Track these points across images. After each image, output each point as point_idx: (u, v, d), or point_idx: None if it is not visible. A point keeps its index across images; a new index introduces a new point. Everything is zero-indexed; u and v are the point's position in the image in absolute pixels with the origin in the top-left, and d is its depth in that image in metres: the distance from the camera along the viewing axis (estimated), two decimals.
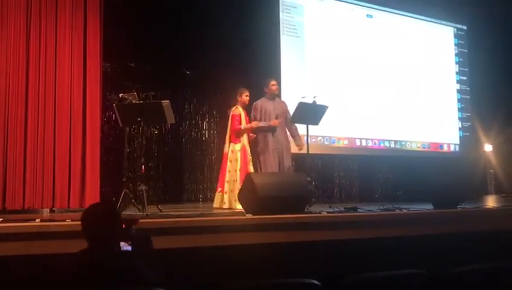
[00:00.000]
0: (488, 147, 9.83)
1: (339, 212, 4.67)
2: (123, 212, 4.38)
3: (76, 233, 2.90)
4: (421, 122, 9.03)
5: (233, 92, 6.10)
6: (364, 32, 8.76)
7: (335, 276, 2.85)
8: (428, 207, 5.02)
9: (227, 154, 5.89)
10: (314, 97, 5.82)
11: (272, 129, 5.99)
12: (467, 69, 9.86)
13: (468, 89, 9.83)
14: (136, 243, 2.70)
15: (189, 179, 7.80)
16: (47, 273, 2.85)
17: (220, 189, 5.76)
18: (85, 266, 2.40)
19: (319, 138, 7.93)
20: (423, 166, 8.21)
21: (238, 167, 5.76)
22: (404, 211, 4.78)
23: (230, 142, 5.91)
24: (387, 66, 8.85)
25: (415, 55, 9.21)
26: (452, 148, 9.52)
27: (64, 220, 3.76)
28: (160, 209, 5.11)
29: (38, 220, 3.90)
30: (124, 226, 2.62)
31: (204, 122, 8.01)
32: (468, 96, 9.80)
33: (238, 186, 5.52)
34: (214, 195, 5.96)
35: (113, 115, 6.23)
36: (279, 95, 6.48)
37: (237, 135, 5.89)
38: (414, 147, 9.03)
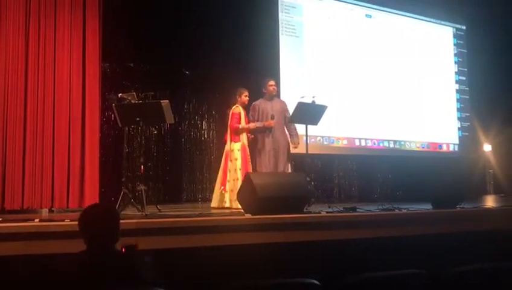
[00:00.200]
0: (487, 147, 9.84)
1: (338, 212, 4.66)
2: (122, 213, 4.37)
3: (75, 233, 2.89)
4: (420, 122, 9.03)
5: (233, 92, 6.10)
6: (363, 32, 8.76)
7: (334, 276, 2.85)
8: (427, 207, 5.02)
9: (227, 153, 5.88)
10: (314, 97, 5.81)
11: (268, 130, 5.97)
12: (466, 69, 9.87)
13: (467, 89, 9.83)
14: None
15: (188, 179, 7.80)
16: (46, 273, 2.85)
17: (222, 188, 5.74)
18: (85, 266, 2.40)
19: (318, 138, 7.93)
20: (422, 166, 8.21)
21: (238, 167, 5.76)
22: (404, 211, 4.78)
23: (231, 141, 5.91)
24: (387, 66, 8.85)
25: (414, 55, 9.20)
26: (451, 148, 9.52)
27: (63, 220, 3.76)
28: (159, 209, 5.11)
29: (37, 220, 3.90)
30: (123, 250, 2.57)
31: (204, 122, 8.01)
32: (468, 96, 9.81)
33: (238, 185, 5.53)
34: (213, 195, 5.95)
35: (112, 115, 6.23)
36: (278, 95, 6.46)
37: (236, 133, 5.89)
38: (413, 147, 9.03)
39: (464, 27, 9.96)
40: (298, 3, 8.17)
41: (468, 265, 2.94)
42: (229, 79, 6.96)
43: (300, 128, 6.10)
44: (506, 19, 9.56)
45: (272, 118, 5.95)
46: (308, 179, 5.88)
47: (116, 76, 7.12)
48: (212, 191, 6.10)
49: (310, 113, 5.84)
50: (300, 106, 5.72)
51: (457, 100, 9.72)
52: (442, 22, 9.75)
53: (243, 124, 5.90)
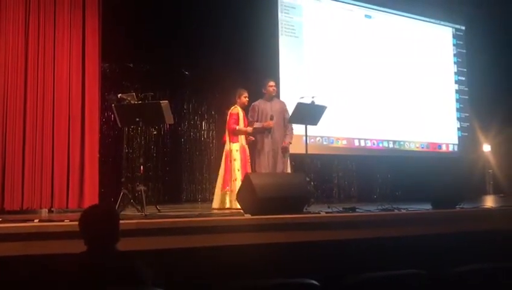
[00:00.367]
0: (486, 147, 9.84)
1: (338, 212, 4.66)
2: (121, 213, 4.37)
3: (75, 233, 2.89)
4: (420, 122, 9.04)
5: (232, 92, 6.10)
6: (362, 32, 8.76)
7: (334, 276, 2.85)
8: (427, 207, 5.02)
9: (227, 153, 5.88)
10: (313, 97, 5.81)
11: (267, 130, 5.97)
12: (465, 69, 9.87)
13: (467, 89, 9.84)
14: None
15: (187, 180, 7.80)
16: (47, 274, 2.85)
17: (228, 187, 5.74)
18: (85, 267, 2.40)
19: (317, 138, 7.93)
20: (422, 166, 8.21)
21: (237, 167, 5.76)
22: (403, 211, 4.78)
23: (229, 142, 5.92)
24: (386, 67, 8.85)
25: (413, 55, 9.21)
26: (451, 149, 9.53)
27: (62, 221, 3.76)
28: (159, 210, 5.11)
29: (36, 220, 3.89)
30: None
31: (203, 123, 8.01)
32: (467, 97, 9.81)
33: (237, 185, 5.54)
34: (213, 195, 5.95)
35: (112, 116, 6.23)
36: (277, 96, 6.46)
37: (233, 134, 5.89)
38: (413, 147, 9.03)
39: (463, 27, 9.97)
40: (298, 4, 8.17)
41: (468, 265, 2.94)
42: (229, 79, 6.96)
43: (299, 128, 6.10)
44: (505, 19, 9.57)
45: (271, 118, 5.95)
46: (307, 179, 5.87)
47: (116, 76, 7.13)
48: (211, 192, 6.10)
49: (309, 113, 5.84)
50: (300, 106, 5.72)
51: (457, 100, 9.72)
52: (442, 22, 9.76)
53: (241, 125, 5.90)
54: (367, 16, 8.90)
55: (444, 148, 9.43)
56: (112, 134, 7.00)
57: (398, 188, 9.00)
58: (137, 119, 5.00)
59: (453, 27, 9.88)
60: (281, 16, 7.98)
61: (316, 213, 4.50)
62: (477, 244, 4.10)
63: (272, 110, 6.06)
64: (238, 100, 6.01)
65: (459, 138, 9.63)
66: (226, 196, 5.71)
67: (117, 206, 4.63)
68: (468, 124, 9.72)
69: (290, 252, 3.78)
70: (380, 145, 8.69)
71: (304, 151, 6.03)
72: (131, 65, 7.33)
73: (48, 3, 5.73)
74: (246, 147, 5.94)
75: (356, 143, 8.46)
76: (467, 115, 9.75)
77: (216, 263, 3.50)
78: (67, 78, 5.74)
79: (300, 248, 3.85)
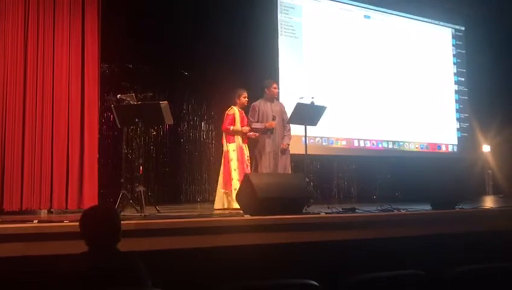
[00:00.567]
0: (486, 148, 9.84)
1: (337, 213, 4.66)
2: (121, 214, 4.36)
3: (74, 234, 2.89)
4: (419, 123, 9.04)
5: (232, 92, 6.11)
6: (362, 33, 8.77)
7: (333, 277, 2.85)
8: (426, 208, 5.02)
9: (225, 154, 5.92)
10: (312, 98, 5.81)
11: (269, 131, 5.99)
12: (464, 70, 9.88)
13: (466, 89, 9.84)
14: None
15: (187, 180, 7.80)
16: (47, 275, 2.84)
17: (234, 188, 5.75)
18: (86, 267, 2.40)
19: (317, 139, 7.94)
20: (421, 167, 8.22)
21: (234, 167, 5.79)
22: (403, 211, 4.77)
23: (226, 142, 5.95)
24: (385, 67, 8.85)
25: (413, 56, 9.21)
26: (450, 149, 9.53)
27: (62, 221, 3.76)
28: (158, 210, 5.10)
29: (36, 221, 3.88)
30: None
31: (203, 123, 8.02)
32: (466, 97, 9.81)
33: (234, 185, 5.65)
34: (214, 196, 5.96)
35: (111, 116, 6.23)
36: (277, 97, 6.48)
37: (228, 134, 5.92)
38: (412, 147, 9.04)
39: (462, 28, 9.98)
40: (297, 4, 8.18)
41: (467, 266, 2.94)
42: (228, 80, 6.96)
43: (299, 129, 6.11)
44: (504, 20, 9.58)
45: (274, 119, 5.98)
46: (307, 179, 5.87)
47: (115, 77, 7.13)
48: (211, 192, 6.12)
49: (309, 114, 5.84)
50: (299, 107, 5.72)
51: (456, 101, 9.73)
52: (441, 23, 9.76)
53: (238, 125, 5.92)
54: (366, 17, 8.90)
55: (443, 148, 9.44)
56: (111, 135, 7.00)
57: (398, 189, 8.99)
58: (136, 119, 5.01)
59: (452, 28, 9.89)
60: (281, 17, 7.99)
61: (316, 214, 4.49)
62: (477, 245, 4.10)
63: (273, 111, 6.09)
64: (238, 100, 6.02)
65: (458, 138, 9.64)
66: (225, 196, 5.75)
67: (116, 207, 4.62)
68: (467, 124, 9.72)
69: (290, 252, 3.78)
70: (380, 145, 8.70)
71: (303, 152, 6.05)
72: (131, 66, 7.34)
73: (47, 4, 5.72)
74: (244, 146, 5.95)
75: (356, 144, 8.47)
76: (467, 115, 9.75)
77: (216, 263, 3.49)
78: (66, 79, 5.74)
79: (299, 249, 3.85)
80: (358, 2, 8.80)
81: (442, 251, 3.99)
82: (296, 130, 6.31)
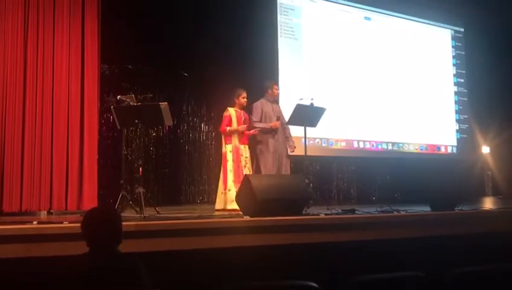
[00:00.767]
0: (485, 149, 9.85)
1: (337, 214, 4.66)
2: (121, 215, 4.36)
3: (74, 235, 2.90)
4: (419, 124, 9.04)
5: (232, 94, 6.11)
6: (362, 34, 8.77)
7: (333, 278, 2.86)
8: (425, 209, 5.02)
9: (224, 155, 5.95)
10: (312, 99, 5.83)
11: (272, 131, 6.02)
12: (464, 71, 9.88)
13: (466, 91, 9.84)
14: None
15: (187, 181, 7.79)
16: (48, 276, 2.84)
17: (228, 189, 5.78)
18: (87, 268, 2.41)
19: (316, 140, 7.94)
20: (421, 168, 8.22)
21: (230, 168, 5.81)
22: (402, 213, 4.78)
23: (225, 144, 5.98)
24: (385, 68, 8.86)
25: (412, 57, 9.22)
26: (449, 150, 9.53)
27: (61, 223, 3.76)
28: (158, 212, 5.11)
29: (35, 222, 3.88)
30: None
31: (202, 124, 8.01)
32: (466, 99, 9.82)
33: (229, 186, 5.70)
34: (214, 197, 5.97)
35: (111, 117, 6.23)
36: (277, 98, 6.51)
37: (226, 135, 5.94)
38: (412, 149, 9.04)
39: (462, 29, 9.98)
40: (297, 6, 8.18)
41: (467, 267, 2.94)
42: (228, 81, 6.96)
43: (299, 130, 6.12)
44: (504, 21, 9.59)
45: (278, 119, 6.01)
46: (306, 181, 5.90)
47: (115, 78, 7.12)
48: (210, 193, 6.12)
49: (308, 115, 5.85)
50: (299, 108, 5.73)
51: (456, 102, 9.73)
52: (441, 24, 9.77)
53: (234, 126, 5.93)
54: (366, 18, 8.91)
55: (442, 150, 9.44)
56: (111, 136, 6.99)
57: (397, 190, 8.99)
58: (136, 121, 5.00)
59: (451, 29, 9.90)
60: (280, 18, 7.99)
61: (315, 215, 4.49)
62: (476, 246, 4.10)
63: (274, 111, 6.14)
64: (236, 100, 6.04)
65: (457, 139, 9.64)
66: (222, 197, 5.78)
67: (116, 208, 4.62)
68: (467, 125, 9.73)
69: (290, 254, 3.78)
70: (379, 147, 8.70)
71: (303, 153, 6.06)
72: (131, 67, 7.33)
73: (47, 5, 5.72)
74: (241, 147, 5.95)
75: (355, 145, 8.47)
76: (466, 116, 9.75)
77: (215, 265, 3.49)
78: (66, 80, 5.73)
79: (299, 250, 3.85)
80: (358, 3, 8.81)
81: (441, 252, 4.00)
82: (296, 131, 6.32)
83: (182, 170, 7.76)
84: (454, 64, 9.82)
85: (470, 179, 9.14)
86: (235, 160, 5.86)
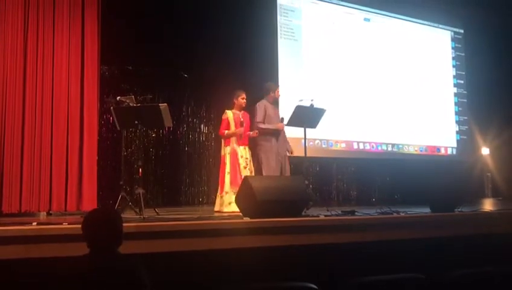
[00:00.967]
0: (485, 150, 9.85)
1: (337, 215, 4.66)
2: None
3: (73, 236, 2.89)
4: (419, 125, 9.05)
5: (231, 94, 6.11)
6: (361, 35, 8.78)
7: (332, 280, 2.85)
8: (425, 210, 5.02)
9: (223, 157, 5.97)
10: (312, 100, 5.82)
11: (277, 133, 6.03)
12: (464, 73, 9.89)
13: (465, 92, 9.85)
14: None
15: (186, 182, 7.79)
16: (47, 277, 2.84)
17: (225, 192, 5.79)
18: (87, 269, 2.41)
19: (316, 141, 7.94)
20: (420, 169, 8.21)
21: (227, 170, 5.81)
22: (402, 214, 4.78)
23: (224, 146, 6.00)
24: (385, 70, 8.87)
25: (412, 58, 9.23)
26: (449, 152, 9.53)
27: (61, 224, 3.75)
28: (157, 213, 5.10)
29: (35, 223, 3.88)
30: None
31: (202, 125, 8.01)
32: (465, 100, 9.83)
33: (226, 188, 5.72)
34: (213, 198, 5.98)
35: (111, 118, 6.23)
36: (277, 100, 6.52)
37: (225, 138, 5.95)
38: (411, 150, 9.04)
39: (461, 31, 9.99)
40: (297, 7, 8.19)
41: (466, 269, 2.94)
42: (228, 82, 6.95)
43: (298, 131, 6.11)
44: (503, 23, 9.60)
45: (282, 120, 6.02)
46: (306, 182, 5.88)
47: (115, 79, 7.12)
48: (210, 194, 6.12)
49: (308, 116, 5.85)
50: (299, 109, 5.73)
51: (455, 104, 9.74)
52: (440, 26, 9.78)
53: (232, 128, 5.92)
54: (366, 19, 8.91)
55: (442, 151, 9.44)
56: (110, 137, 6.99)
57: (397, 192, 9.00)
58: (136, 122, 5.01)
59: (451, 30, 9.91)
60: (280, 19, 8.00)
61: (315, 216, 4.49)
62: (476, 248, 4.10)
63: (275, 113, 6.16)
64: (236, 101, 6.04)
65: (457, 141, 9.64)
66: (219, 198, 5.79)
67: (115, 208, 4.62)
68: (466, 127, 9.73)
69: (289, 255, 3.78)
70: (379, 148, 8.70)
71: (302, 154, 6.05)
72: (130, 68, 7.33)
73: (47, 8, 5.71)
74: (239, 149, 5.94)
75: (355, 146, 8.47)
76: (466, 118, 9.76)
77: (215, 266, 3.49)
78: (66, 81, 5.73)
79: (299, 251, 3.85)
80: (358, 4, 8.82)
81: (441, 253, 4.00)
82: (296, 132, 6.31)
83: (182, 171, 7.76)
84: (454, 66, 9.83)
85: (470, 180, 9.14)
86: (232, 162, 5.86)
